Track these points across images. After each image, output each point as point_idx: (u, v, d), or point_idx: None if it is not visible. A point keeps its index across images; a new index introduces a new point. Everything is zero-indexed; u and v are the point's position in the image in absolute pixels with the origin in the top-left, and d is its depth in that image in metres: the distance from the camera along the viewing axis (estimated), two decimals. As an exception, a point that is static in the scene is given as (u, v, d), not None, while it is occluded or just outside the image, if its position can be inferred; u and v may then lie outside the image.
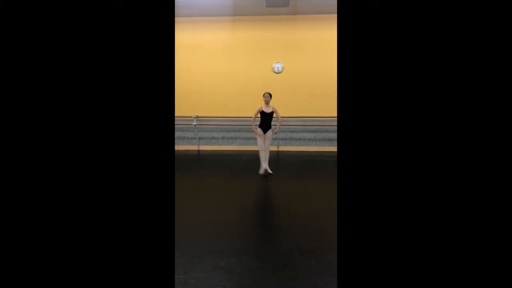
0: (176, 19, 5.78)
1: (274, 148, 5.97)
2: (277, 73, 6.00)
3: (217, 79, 6.06)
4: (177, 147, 6.26)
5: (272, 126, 4.03)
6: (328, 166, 4.77)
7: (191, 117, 6.08)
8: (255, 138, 5.95)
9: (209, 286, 1.64)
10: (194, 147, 6.30)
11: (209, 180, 3.93)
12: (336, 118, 5.43)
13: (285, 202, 3.16)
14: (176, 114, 5.79)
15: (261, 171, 4.05)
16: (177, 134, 6.29)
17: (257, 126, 4.01)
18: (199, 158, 5.53)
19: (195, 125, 6.10)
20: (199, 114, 6.14)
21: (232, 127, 6.22)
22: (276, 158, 5.24)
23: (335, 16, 5.51)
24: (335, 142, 5.96)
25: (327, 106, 5.88)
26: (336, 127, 5.67)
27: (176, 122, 5.95)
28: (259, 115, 3.98)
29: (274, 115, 3.99)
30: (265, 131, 3.99)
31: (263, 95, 3.94)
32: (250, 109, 5.84)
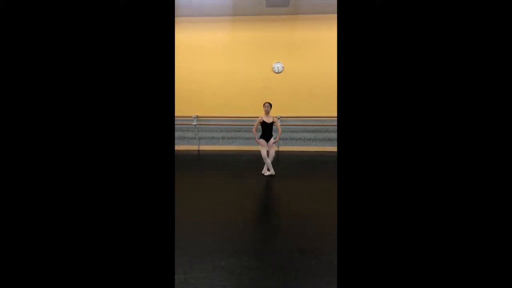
0: (176, 19, 5.78)
1: (275, 149, 5.96)
2: (277, 73, 6.00)
3: (217, 79, 6.06)
4: (177, 147, 6.26)
5: (273, 134, 4.05)
6: (328, 166, 4.77)
7: (191, 117, 6.08)
8: (255, 138, 5.98)
9: (209, 286, 1.64)
10: (194, 147, 6.31)
11: (209, 180, 3.93)
12: (336, 118, 5.43)
13: (285, 202, 3.16)
14: (176, 114, 5.80)
15: (266, 173, 4.09)
16: (177, 134, 6.29)
17: (260, 137, 4.03)
18: (199, 158, 5.53)
19: (195, 125, 6.10)
20: (199, 114, 6.14)
21: (232, 127, 6.22)
22: (276, 158, 5.24)
23: (335, 16, 5.51)
24: (335, 142, 5.96)
25: (327, 106, 5.88)
26: (336, 127, 5.67)
27: (176, 122, 5.95)
28: (260, 126, 4.00)
29: (275, 124, 4.01)
30: (267, 140, 4.02)
31: (263, 105, 3.94)
32: (250, 109, 5.87)
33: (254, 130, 4.05)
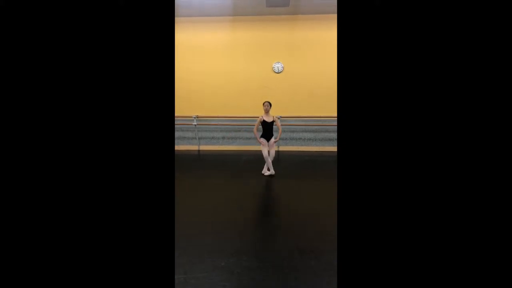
0: (176, 19, 5.78)
1: (275, 149, 5.96)
2: (277, 73, 6.00)
3: (217, 79, 6.06)
4: (177, 147, 6.26)
5: (274, 134, 4.07)
6: (328, 166, 4.77)
7: (191, 117, 6.08)
8: (255, 139, 5.97)
9: (209, 286, 1.64)
10: (194, 147, 6.31)
11: (209, 180, 3.93)
12: (336, 118, 5.43)
13: (285, 202, 3.16)
14: (176, 114, 5.80)
15: (266, 173, 4.10)
16: (177, 134, 6.29)
17: (260, 137, 4.04)
18: (199, 158, 5.53)
19: (195, 125, 6.10)
20: (199, 114, 6.14)
21: (232, 127, 6.22)
22: (276, 158, 5.24)
23: (335, 16, 5.51)
24: (335, 142, 5.96)
25: (327, 106, 5.88)
26: (336, 127, 5.67)
27: (176, 122, 5.95)
28: (260, 125, 4.01)
29: (275, 123, 4.02)
30: (268, 139, 4.02)
31: (263, 104, 3.96)
32: (250, 109, 5.87)
33: (255, 129, 4.06)
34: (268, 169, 4.10)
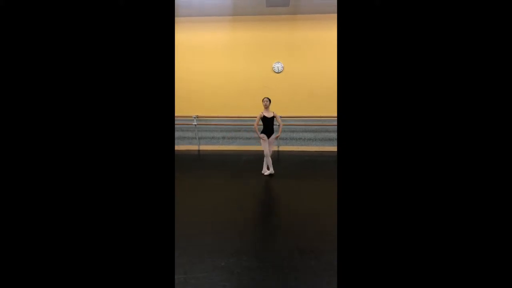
0: (176, 19, 5.78)
1: (274, 148, 5.97)
2: (277, 73, 6.00)
3: (217, 79, 6.06)
4: (177, 147, 6.26)
5: (274, 133, 4.08)
6: (328, 166, 4.76)
7: (191, 117, 6.08)
8: (255, 138, 5.99)
9: (209, 286, 1.64)
10: (194, 147, 6.30)
11: (209, 180, 3.93)
12: (336, 118, 5.43)
13: (285, 202, 3.16)
14: (176, 114, 5.80)
15: (266, 173, 4.10)
16: (177, 134, 6.29)
17: (261, 132, 4.05)
18: (199, 158, 5.53)
19: (195, 125, 6.10)
20: (199, 114, 6.14)
21: (232, 127, 6.22)
22: (276, 158, 5.24)
23: (335, 16, 5.51)
24: (335, 142, 5.96)
25: (327, 106, 5.88)
26: (336, 127, 5.67)
27: (176, 122, 5.95)
28: (261, 121, 4.02)
29: (275, 119, 4.04)
30: (269, 136, 4.03)
31: (262, 100, 3.97)
32: (250, 109, 5.87)
33: (255, 124, 4.04)
34: (268, 168, 4.10)
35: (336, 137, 5.87)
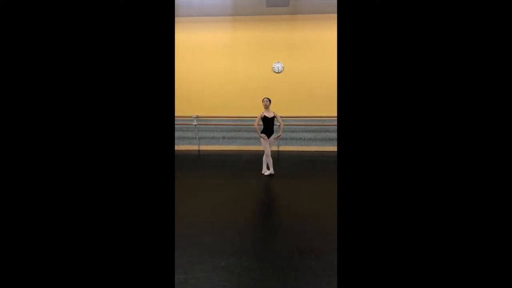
0: (176, 19, 5.78)
1: (274, 148, 5.98)
2: (277, 73, 6.00)
3: (217, 79, 6.06)
4: (177, 147, 6.26)
5: (274, 133, 4.09)
6: (328, 166, 4.77)
7: (191, 117, 6.08)
8: (255, 138, 5.99)
9: (209, 286, 1.64)
10: (195, 147, 6.31)
11: (209, 180, 3.93)
12: (336, 118, 5.43)
13: (285, 202, 3.16)
14: (176, 114, 5.80)
15: (266, 173, 4.11)
16: (177, 134, 6.29)
17: (261, 132, 4.05)
18: (199, 158, 5.53)
19: (195, 125, 6.10)
20: (199, 114, 6.14)
21: (232, 127, 6.22)
22: (276, 158, 5.24)
23: (335, 16, 5.51)
24: (335, 142, 5.96)
25: (327, 106, 5.88)
26: (336, 127, 5.67)
27: (176, 122, 5.95)
28: (261, 121, 4.02)
29: (276, 119, 4.05)
30: (269, 136, 4.04)
31: (262, 100, 3.98)
32: (250, 109, 5.87)
33: (256, 124, 4.04)
34: (268, 168, 4.10)
35: (336, 137, 5.87)
